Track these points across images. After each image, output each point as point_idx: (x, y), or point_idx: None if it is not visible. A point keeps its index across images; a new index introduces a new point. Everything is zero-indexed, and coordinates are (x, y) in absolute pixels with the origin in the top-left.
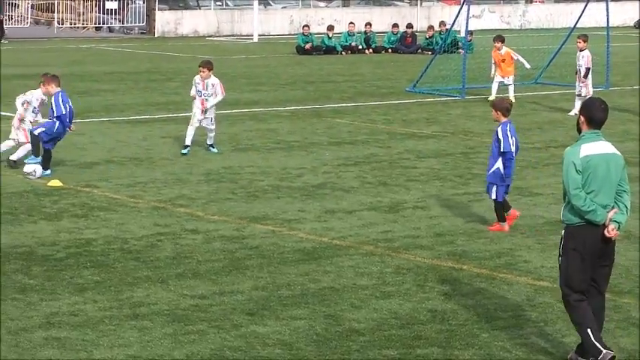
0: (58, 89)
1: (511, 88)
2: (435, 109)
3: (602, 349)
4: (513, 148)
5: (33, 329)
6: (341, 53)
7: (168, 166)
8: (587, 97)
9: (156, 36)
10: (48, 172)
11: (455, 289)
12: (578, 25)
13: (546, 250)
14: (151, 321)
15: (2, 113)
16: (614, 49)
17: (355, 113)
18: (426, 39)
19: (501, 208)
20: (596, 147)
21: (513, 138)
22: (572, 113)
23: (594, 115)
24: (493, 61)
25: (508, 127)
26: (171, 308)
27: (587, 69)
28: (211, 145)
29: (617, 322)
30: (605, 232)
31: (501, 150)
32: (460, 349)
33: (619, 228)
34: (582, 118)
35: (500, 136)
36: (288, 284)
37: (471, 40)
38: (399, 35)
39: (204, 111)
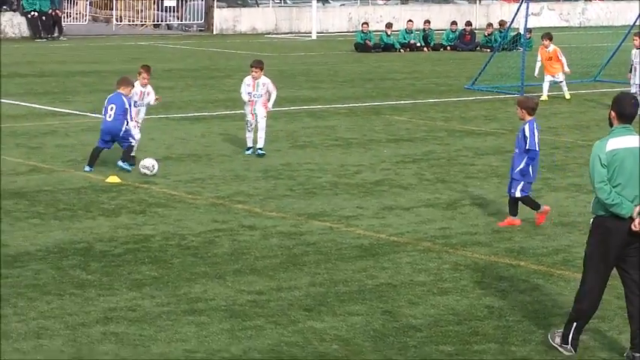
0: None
1: (564, 86)
2: (493, 106)
3: (569, 344)
4: (538, 147)
5: (91, 324)
6: (399, 51)
7: (227, 163)
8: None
9: (214, 33)
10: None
11: (512, 285)
12: (637, 23)
13: None
14: (209, 316)
15: (58, 109)
16: None
17: (413, 110)
18: (485, 36)
19: (530, 201)
20: (624, 141)
21: (539, 137)
22: None
23: (625, 110)
24: (539, 59)
25: (535, 126)
26: (229, 304)
27: None
28: (260, 149)
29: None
30: (632, 225)
31: (527, 147)
32: (517, 345)
33: None
34: (613, 113)
35: (527, 133)
36: (345, 280)
37: (530, 38)
38: (457, 33)
39: (254, 114)
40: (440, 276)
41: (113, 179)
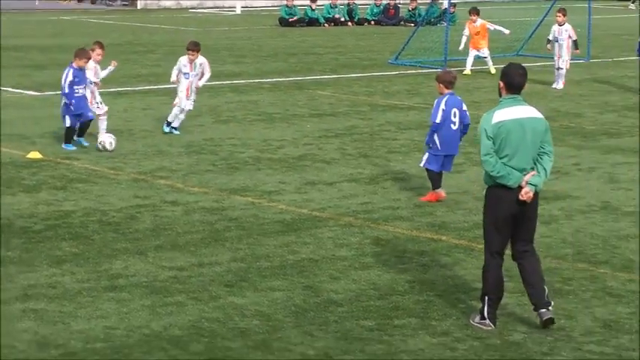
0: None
1: (489, 61)
2: (416, 81)
3: (487, 319)
4: (438, 120)
5: (10, 301)
6: (324, 25)
7: (149, 138)
8: (566, 69)
9: (138, 8)
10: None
11: (433, 260)
12: None
13: None
14: (129, 293)
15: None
16: (594, 22)
17: (337, 85)
18: (409, 11)
19: (433, 177)
20: (511, 112)
21: (450, 110)
22: (556, 86)
23: (513, 80)
24: (466, 34)
25: (445, 100)
26: (150, 280)
27: (575, 41)
28: (175, 128)
29: (593, 291)
30: (520, 195)
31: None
32: (438, 319)
33: (536, 190)
34: (501, 83)
35: (435, 106)
36: (267, 256)
37: (453, 12)
38: (381, 7)
39: (190, 93)
40: (361, 251)
41: (34, 155)
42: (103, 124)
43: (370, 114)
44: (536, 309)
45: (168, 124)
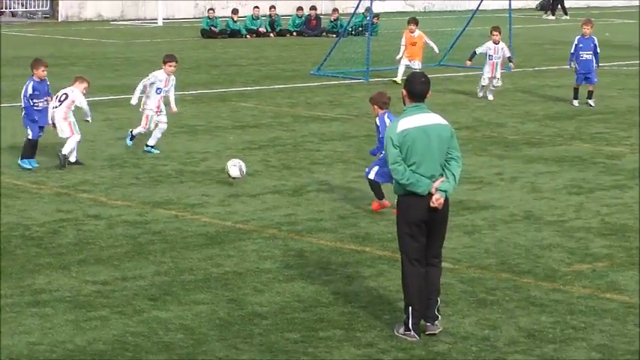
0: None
1: (401, 70)
2: (339, 91)
3: (411, 331)
4: None
5: None
6: (246, 37)
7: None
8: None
9: (59, 20)
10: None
11: (357, 271)
12: (480, 8)
13: (447, 232)
14: (53, 308)
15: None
16: (516, 31)
17: (260, 97)
18: (331, 22)
19: (377, 188)
20: (415, 120)
21: None
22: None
23: (414, 88)
24: (403, 43)
25: (386, 116)
26: (73, 294)
27: (509, 57)
28: (153, 147)
29: (517, 301)
30: (431, 201)
31: (381, 136)
32: (362, 330)
33: (446, 196)
34: (404, 91)
35: (378, 123)
36: (190, 269)
37: (376, 23)
38: (303, 18)
39: (160, 109)
40: (285, 263)
41: None
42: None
43: (293, 125)
44: (424, 319)
45: (132, 137)
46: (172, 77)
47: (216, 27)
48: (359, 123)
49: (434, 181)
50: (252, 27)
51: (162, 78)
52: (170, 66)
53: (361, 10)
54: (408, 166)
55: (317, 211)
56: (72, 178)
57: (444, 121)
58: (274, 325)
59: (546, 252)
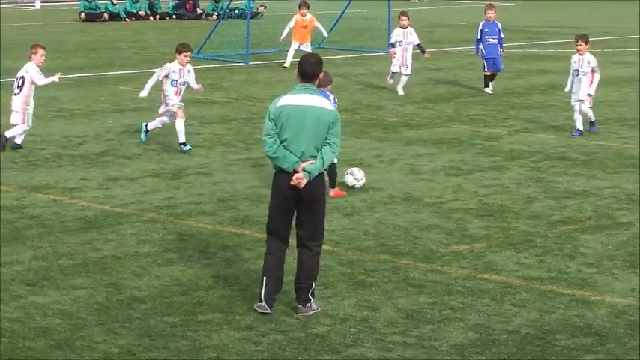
0: None
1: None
2: (219, 74)
3: (263, 302)
4: None
5: None
6: (125, 20)
7: None
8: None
9: None
10: None
11: (237, 254)
12: None
13: (327, 214)
14: None
15: None
16: (394, 14)
17: (139, 80)
18: (214, 2)
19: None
20: (297, 99)
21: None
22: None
23: (304, 69)
24: (292, 26)
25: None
26: None
27: (419, 45)
28: (184, 144)
29: (395, 282)
30: (291, 180)
31: None
32: (242, 313)
33: (309, 178)
34: (296, 71)
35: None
36: (69, 253)
37: (261, 13)
38: (182, 1)
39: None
40: (165, 246)
41: None
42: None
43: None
44: (297, 300)
45: (147, 131)
46: (188, 67)
47: (95, 10)
48: (239, 106)
49: (303, 161)
50: (132, 10)
51: (175, 69)
52: (185, 56)
53: None
54: (281, 142)
55: (196, 194)
56: None
57: (329, 106)
58: (153, 309)
59: (425, 233)
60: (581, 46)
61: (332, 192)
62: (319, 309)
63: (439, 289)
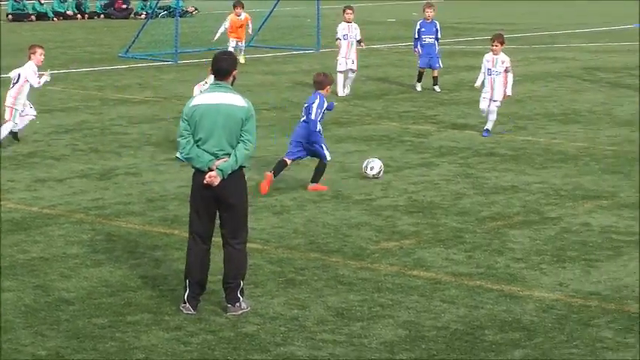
0: None
1: (242, 51)
2: (148, 74)
3: (186, 303)
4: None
5: None
6: (53, 19)
7: None
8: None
9: None
10: None
11: (166, 254)
12: None
13: (256, 212)
14: None
15: None
16: (324, 12)
17: (67, 80)
18: (143, 1)
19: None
20: (210, 97)
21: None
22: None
23: (217, 66)
24: (227, 26)
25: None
26: None
27: (359, 40)
28: None
29: (325, 280)
30: (204, 178)
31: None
32: (171, 314)
33: (223, 175)
34: (210, 70)
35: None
36: None
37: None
38: (109, 0)
39: None
40: (93, 247)
41: None
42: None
43: (101, 108)
44: (226, 300)
45: None
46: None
47: (22, 10)
48: (167, 105)
49: (219, 160)
50: (60, 10)
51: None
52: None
53: None
54: (195, 142)
55: (125, 194)
56: None
57: (241, 103)
58: (81, 311)
59: (354, 231)
60: (496, 46)
61: (311, 186)
62: (249, 308)
63: (369, 286)
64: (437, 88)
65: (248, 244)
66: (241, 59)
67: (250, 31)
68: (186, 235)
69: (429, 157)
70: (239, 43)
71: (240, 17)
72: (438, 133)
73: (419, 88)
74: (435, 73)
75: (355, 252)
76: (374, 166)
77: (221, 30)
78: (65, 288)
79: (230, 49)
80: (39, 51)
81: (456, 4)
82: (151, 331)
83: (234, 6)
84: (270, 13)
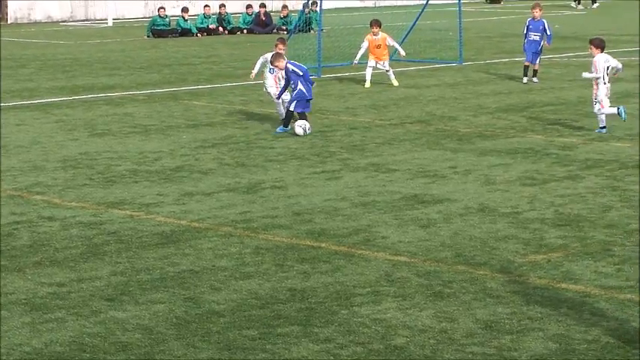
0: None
1: (391, 74)
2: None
3: None
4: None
5: None
6: (197, 35)
7: (24, 154)
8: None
9: (9, 23)
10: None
11: (314, 267)
12: (430, 2)
13: (403, 225)
14: (9, 311)
15: None
16: (466, 25)
17: (212, 95)
18: (281, 18)
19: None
20: None
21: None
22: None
23: None
24: (365, 47)
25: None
26: (29, 297)
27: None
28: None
29: (473, 293)
30: None
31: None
32: (320, 326)
33: None
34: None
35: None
36: (147, 268)
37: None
38: (253, 15)
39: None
40: (242, 260)
41: None
42: None
43: (246, 123)
44: None
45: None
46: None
47: (165, 26)
48: (312, 119)
49: None
50: (203, 25)
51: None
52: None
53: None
54: None
55: (272, 208)
56: (25, 180)
57: None
58: (232, 323)
59: (501, 244)
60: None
61: None
62: None
63: (517, 299)
64: (535, 79)
65: (396, 257)
66: (394, 83)
67: (402, 51)
68: (334, 247)
69: (574, 169)
70: (378, 64)
71: (376, 37)
72: (584, 146)
73: (525, 81)
74: (536, 67)
75: (503, 265)
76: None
77: (361, 52)
78: (215, 300)
79: (368, 70)
80: (280, 46)
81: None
82: (301, 343)
83: (371, 25)
84: (413, 26)
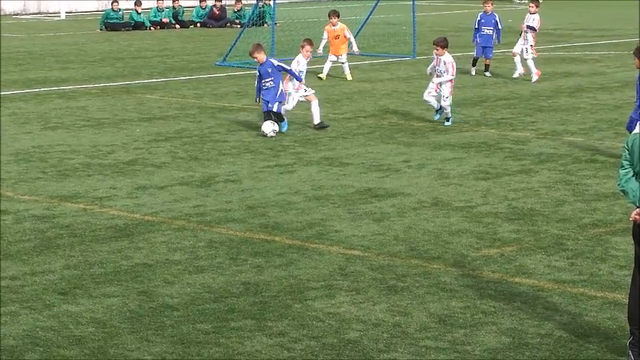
0: None
1: (346, 67)
2: (245, 82)
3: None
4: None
5: None
6: (150, 29)
7: None
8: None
9: None
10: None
11: (267, 261)
12: None
13: (356, 219)
14: None
15: None
16: (419, 19)
17: (165, 89)
18: (235, 12)
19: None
20: None
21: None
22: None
23: None
24: (325, 37)
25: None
26: None
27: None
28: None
29: (427, 287)
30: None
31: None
32: (274, 320)
33: None
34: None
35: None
36: (100, 262)
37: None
38: (207, 9)
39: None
40: (195, 254)
41: None
42: None
43: (199, 116)
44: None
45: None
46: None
47: (119, 19)
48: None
49: None
50: (156, 19)
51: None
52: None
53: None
54: (635, 174)
55: (225, 201)
56: None
57: None
58: (185, 317)
59: (455, 238)
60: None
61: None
62: None
63: (471, 293)
64: (487, 74)
65: (349, 251)
66: (348, 76)
67: (355, 47)
68: (288, 241)
69: (528, 164)
70: (338, 57)
71: (335, 27)
72: (537, 140)
73: (473, 73)
74: (487, 62)
75: (456, 259)
76: (275, 129)
77: (323, 43)
78: (169, 294)
79: (327, 64)
80: (307, 47)
81: (551, 11)
82: (255, 337)
83: (329, 15)
84: (366, 20)
